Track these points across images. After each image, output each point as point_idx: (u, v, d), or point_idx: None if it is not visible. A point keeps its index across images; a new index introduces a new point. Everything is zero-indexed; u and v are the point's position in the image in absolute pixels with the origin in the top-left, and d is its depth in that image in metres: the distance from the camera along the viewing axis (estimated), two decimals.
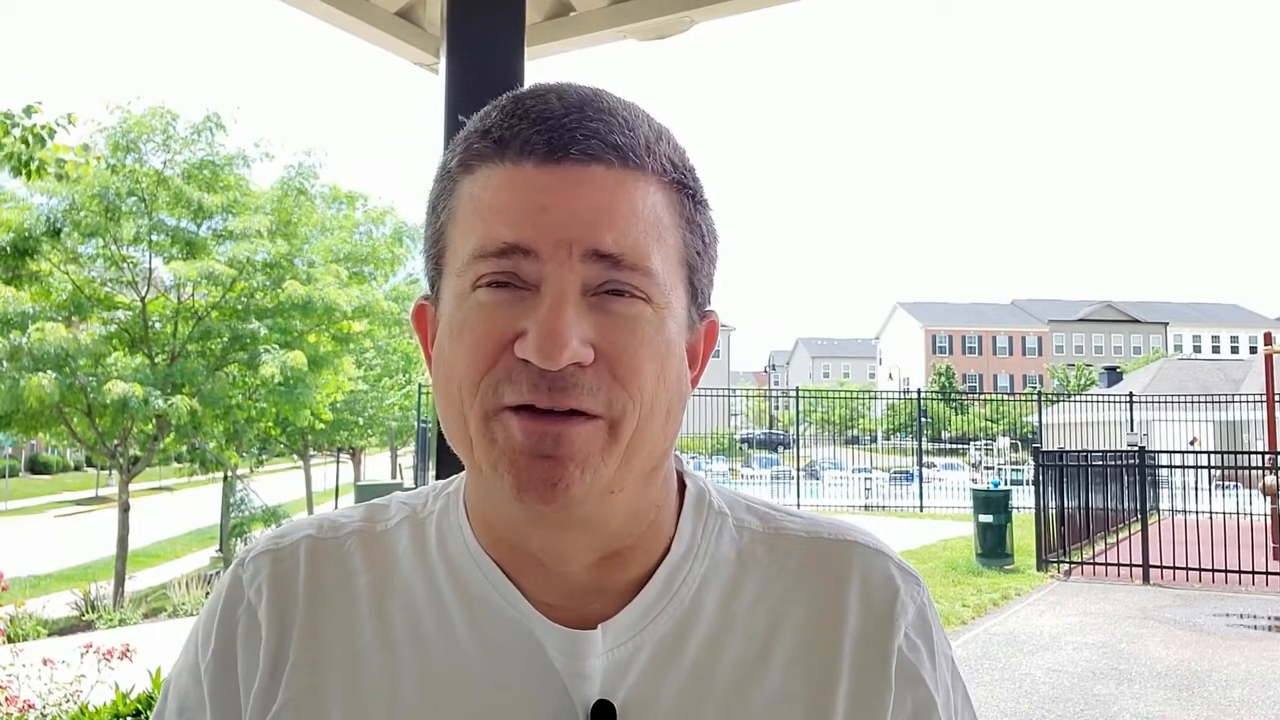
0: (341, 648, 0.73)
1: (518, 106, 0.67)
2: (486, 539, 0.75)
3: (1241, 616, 10.28)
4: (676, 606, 0.73)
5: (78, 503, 34.66)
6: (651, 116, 0.71)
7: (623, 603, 0.73)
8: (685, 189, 0.70)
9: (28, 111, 6.82)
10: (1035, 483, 13.90)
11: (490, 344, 0.65)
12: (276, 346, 13.71)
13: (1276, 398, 15.83)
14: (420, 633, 0.73)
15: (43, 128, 6.87)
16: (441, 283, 0.71)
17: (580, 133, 0.65)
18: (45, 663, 5.72)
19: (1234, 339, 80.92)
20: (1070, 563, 13.27)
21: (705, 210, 0.72)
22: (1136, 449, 15.21)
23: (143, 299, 13.64)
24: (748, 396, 52.41)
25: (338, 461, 29.96)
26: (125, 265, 13.51)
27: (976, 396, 57.05)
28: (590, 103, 0.67)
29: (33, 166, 6.88)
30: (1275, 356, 15.97)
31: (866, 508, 24.95)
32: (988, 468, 35.56)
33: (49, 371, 12.10)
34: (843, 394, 47.36)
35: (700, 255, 0.72)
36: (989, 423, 47.46)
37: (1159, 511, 16.17)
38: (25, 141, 6.80)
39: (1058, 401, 38.94)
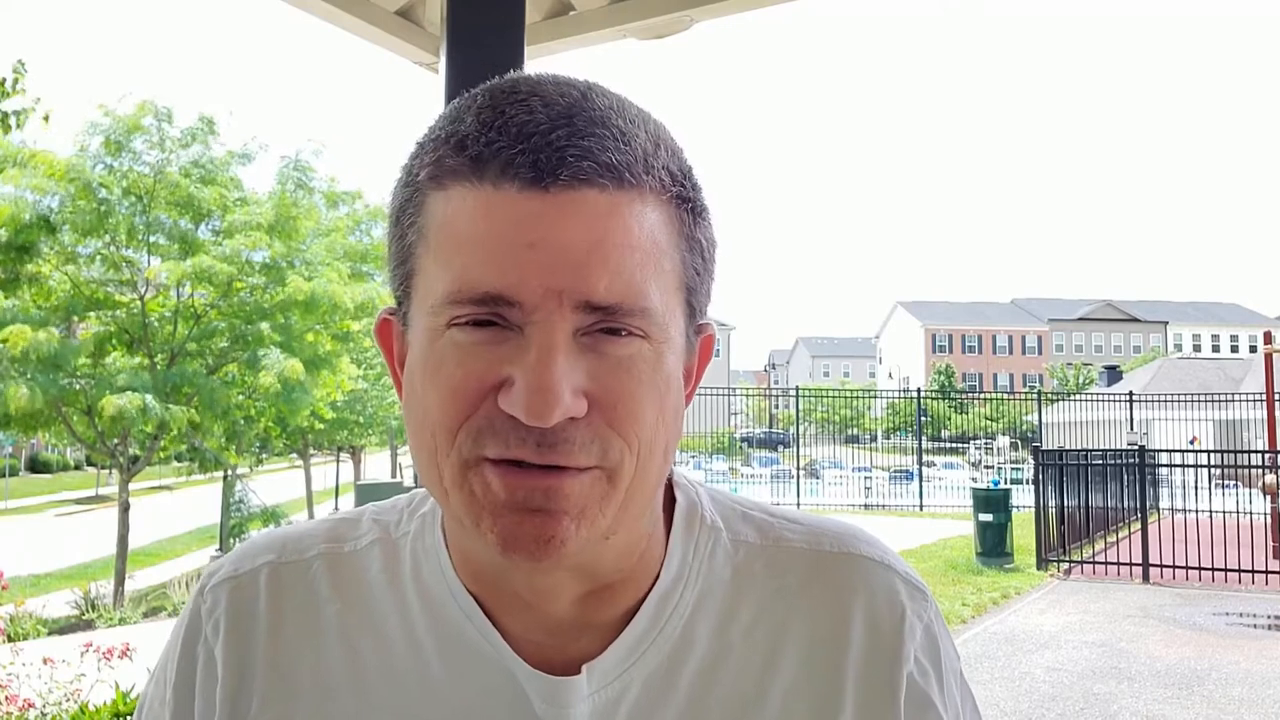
0: (310, 686, 0.69)
1: (496, 116, 0.59)
2: (465, 573, 0.70)
3: (1241, 616, 10.28)
4: (667, 638, 0.69)
5: (78, 502, 34.66)
6: (648, 116, 0.64)
7: (610, 638, 0.68)
8: (685, 202, 0.63)
9: None
10: (1035, 482, 13.89)
11: (469, 390, 0.58)
12: (276, 349, 13.69)
13: (1276, 397, 15.82)
14: (394, 670, 0.69)
15: (11, 82, 6.83)
16: (410, 307, 0.64)
17: (571, 152, 0.57)
18: (45, 662, 5.72)
19: (1234, 338, 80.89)
20: (1070, 562, 13.26)
21: (705, 219, 0.65)
22: (1136, 448, 15.21)
23: (141, 299, 13.64)
24: (748, 396, 52.45)
25: (338, 461, 29.96)
26: (124, 265, 13.50)
27: (976, 396, 56.99)
28: (580, 110, 0.59)
29: (10, 121, 6.84)
30: (1275, 355, 15.97)
31: (866, 507, 24.95)
32: (987, 466, 35.56)
33: (33, 376, 12.01)
34: (843, 393, 47.42)
35: (700, 273, 0.65)
36: (989, 422, 47.48)
37: (1159, 511, 16.16)
38: None
39: (1057, 400, 38.93)
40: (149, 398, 12.37)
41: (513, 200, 0.57)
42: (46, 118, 7.13)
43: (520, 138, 0.57)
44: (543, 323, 0.57)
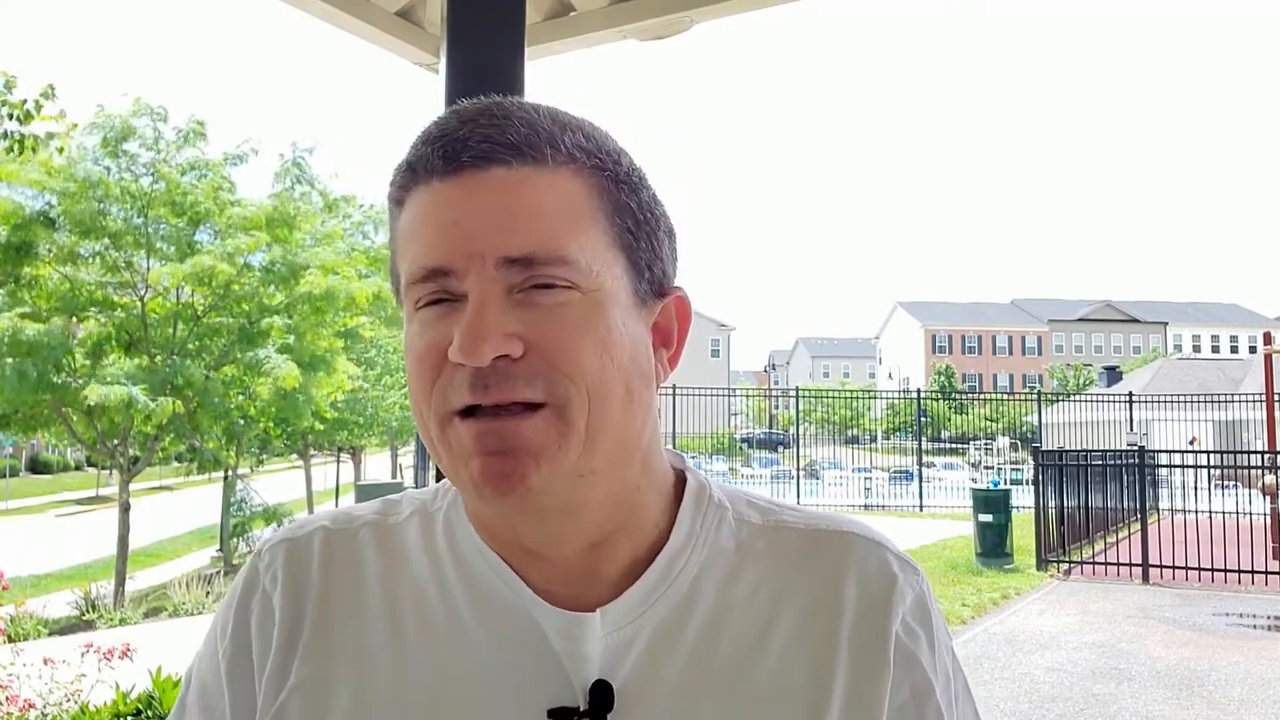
0: (352, 634, 0.76)
1: (424, 134, 0.71)
2: (485, 533, 0.78)
3: (1241, 616, 10.28)
4: (675, 592, 0.75)
5: (78, 502, 34.66)
6: (560, 113, 0.73)
7: (621, 589, 0.75)
8: (604, 172, 0.72)
9: (8, 86, 6.73)
10: (1035, 482, 13.90)
11: (431, 356, 0.68)
12: (276, 354, 13.67)
13: (1276, 397, 15.83)
14: (428, 621, 0.76)
15: (31, 103, 6.78)
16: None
17: (472, 140, 0.68)
18: (46, 662, 5.73)
19: (1234, 339, 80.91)
20: (1070, 562, 13.28)
21: (635, 190, 0.74)
22: (1136, 449, 15.22)
23: (141, 300, 13.64)
24: (748, 396, 52.45)
25: (338, 461, 29.94)
26: (123, 266, 13.49)
27: (976, 396, 56.97)
28: (486, 112, 0.70)
29: (27, 143, 6.81)
30: (1275, 356, 15.97)
31: (866, 507, 24.95)
32: (987, 467, 35.50)
33: (5, 362, 11.95)
34: (843, 394, 47.44)
35: (634, 234, 0.73)
36: (989, 422, 47.40)
37: (1159, 511, 16.16)
38: (15, 118, 6.72)
39: (1057, 401, 38.95)
40: (135, 390, 12.30)
41: (436, 189, 0.70)
42: (62, 149, 7.15)
43: (436, 139, 0.70)
44: (474, 285, 0.67)
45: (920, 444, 28.91)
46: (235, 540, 17.38)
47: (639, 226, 0.73)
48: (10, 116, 6.71)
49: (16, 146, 6.80)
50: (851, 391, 54.11)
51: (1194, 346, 78.96)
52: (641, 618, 0.74)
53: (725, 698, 0.72)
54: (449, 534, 0.80)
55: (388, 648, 0.75)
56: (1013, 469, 32.46)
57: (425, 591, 0.77)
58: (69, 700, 5.40)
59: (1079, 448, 19.84)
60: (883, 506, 25.29)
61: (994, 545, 13.60)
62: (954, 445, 48.02)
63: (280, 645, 0.76)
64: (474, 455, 0.67)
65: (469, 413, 0.67)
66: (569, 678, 0.72)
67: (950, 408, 53.96)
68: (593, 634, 0.72)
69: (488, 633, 0.74)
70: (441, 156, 0.69)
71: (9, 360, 11.94)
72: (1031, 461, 15.90)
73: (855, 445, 54.94)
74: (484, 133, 0.68)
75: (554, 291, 0.67)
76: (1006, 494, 14.08)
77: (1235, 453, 23.48)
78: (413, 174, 0.71)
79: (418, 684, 0.73)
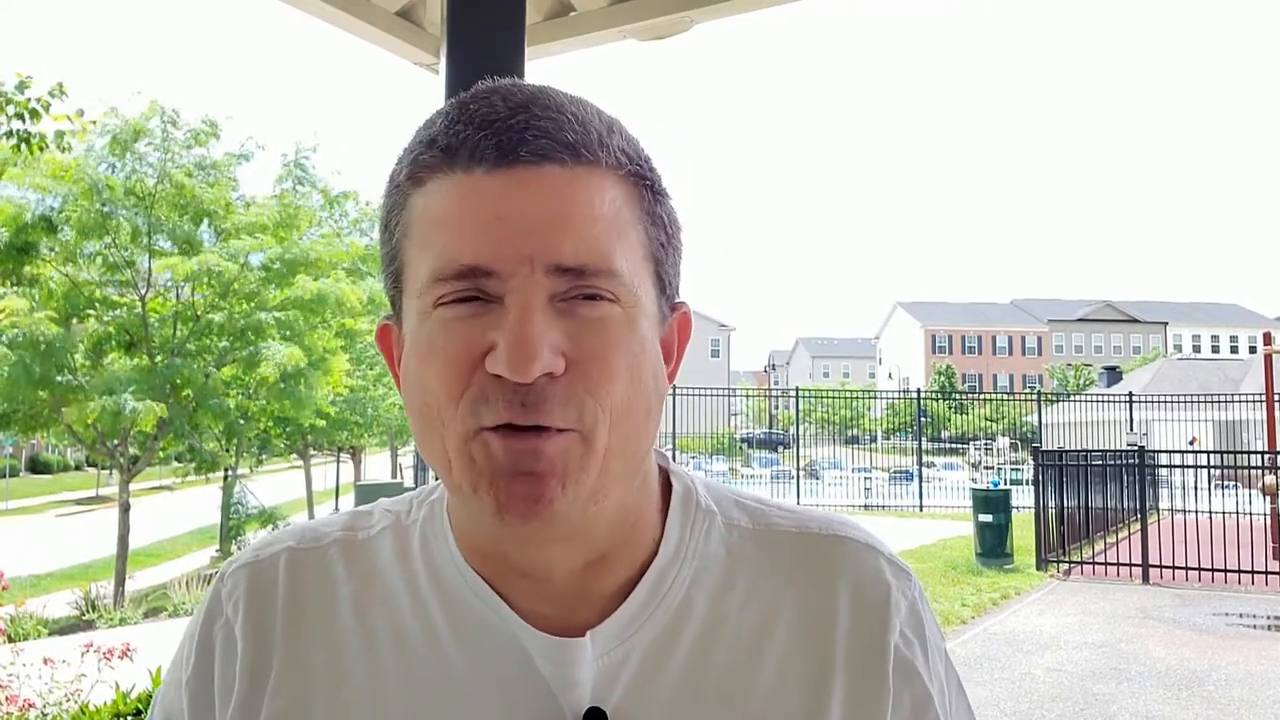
0: (325, 659, 0.72)
1: (462, 112, 0.65)
2: (469, 551, 0.73)
3: (1241, 616, 10.28)
4: (665, 610, 0.72)
5: (78, 502, 34.67)
6: (601, 110, 0.69)
7: (610, 608, 0.71)
8: (643, 180, 0.68)
9: (20, 87, 6.69)
10: (1035, 482, 13.89)
11: (462, 362, 0.63)
12: (275, 343, 13.68)
13: (1276, 397, 15.82)
14: (405, 642, 0.71)
15: (38, 101, 6.74)
16: (402, 301, 0.69)
17: (529, 132, 0.63)
18: (46, 662, 5.73)
19: (1233, 339, 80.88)
20: (1070, 562, 13.27)
21: (665, 200, 0.71)
22: (1136, 449, 15.21)
23: (142, 299, 13.63)
24: (748, 396, 52.42)
25: (338, 461, 29.92)
26: (125, 266, 13.48)
27: (976, 396, 56.90)
28: (536, 100, 0.65)
29: (34, 141, 6.76)
30: (1275, 356, 15.96)
31: (866, 507, 24.95)
32: (987, 467, 35.45)
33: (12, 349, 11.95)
34: (843, 394, 47.36)
35: (664, 246, 0.70)
36: (989, 422, 47.37)
37: (1159, 511, 16.15)
38: (21, 116, 6.69)
39: (1057, 401, 38.91)
40: (126, 397, 12.28)
41: (481, 180, 0.63)
42: (66, 148, 7.13)
43: (484, 125, 0.64)
44: (519, 289, 0.62)
45: (920, 444, 28.86)
46: (234, 540, 17.42)
47: (668, 240, 0.70)
48: (19, 116, 6.68)
49: (24, 144, 6.75)
50: (851, 391, 54.04)
51: (1194, 346, 78.93)
52: (632, 639, 0.70)
53: (719, 718, 0.70)
54: (425, 549, 0.75)
55: (364, 672, 0.71)
56: (1013, 469, 32.42)
57: (401, 611, 0.72)
58: (69, 700, 5.40)
59: (1079, 448, 19.82)
60: (883, 506, 25.28)
61: (994, 545, 13.59)
62: (954, 445, 47.96)
63: (245, 677, 0.72)
64: (502, 474, 0.62)
65: (498, 427, 0.62)
66: (559, 705, 0.68)
67: (950, 408, 53.91)
68: (583, 659, 0.69)
69: (470, 656, 0.70)
70: (495, 146, 0.63)
71: (11, 351, 11.91)
72: (1031, 461, 15.88)
73: (855, 445, 54.88)
74: (541, 125, 0.63)
75: (598, 304, 0.63)
76: (1006, 494, 14.06)
77: (1235, 453, 23.46)
78: (448, 156, 0.64)
79: (397, 710, 0.69)
